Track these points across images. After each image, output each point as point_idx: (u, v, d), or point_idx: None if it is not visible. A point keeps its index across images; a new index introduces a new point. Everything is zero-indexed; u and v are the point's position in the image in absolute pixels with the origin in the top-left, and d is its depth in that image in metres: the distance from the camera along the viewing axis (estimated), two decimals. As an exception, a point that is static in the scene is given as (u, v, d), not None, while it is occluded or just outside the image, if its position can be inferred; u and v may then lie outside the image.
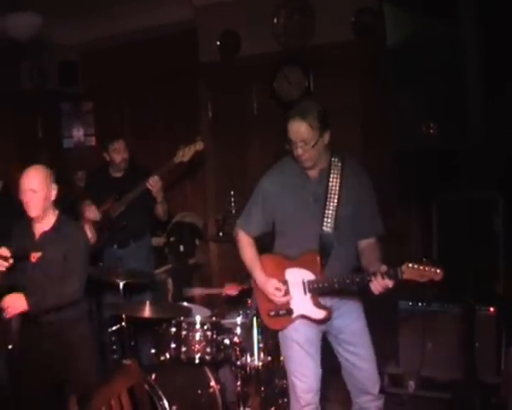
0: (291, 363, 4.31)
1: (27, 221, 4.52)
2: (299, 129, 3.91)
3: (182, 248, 7.16)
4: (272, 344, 4.71)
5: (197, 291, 6.15)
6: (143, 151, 7.35)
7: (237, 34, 7.21)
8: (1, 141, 8.02)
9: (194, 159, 5.93)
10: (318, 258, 4.03)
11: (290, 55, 6.92)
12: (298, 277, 4.08)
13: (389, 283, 3.71)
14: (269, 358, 4.68)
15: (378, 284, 3.72)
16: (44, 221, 4.49)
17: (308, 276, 4.05)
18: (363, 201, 4.14)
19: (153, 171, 5.87)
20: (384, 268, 3.74)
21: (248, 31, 7.11)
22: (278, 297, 4.09)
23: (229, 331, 4.88)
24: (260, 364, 4.67)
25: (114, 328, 5.39)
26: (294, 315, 4.13)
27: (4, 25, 6.94)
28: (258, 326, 4.62)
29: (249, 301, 4.98)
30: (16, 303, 4.24)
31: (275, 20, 6.94)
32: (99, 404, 3.08)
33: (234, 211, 6.99)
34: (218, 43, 7.30)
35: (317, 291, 4.04)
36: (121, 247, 6.17)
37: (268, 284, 4.12)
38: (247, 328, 4.76)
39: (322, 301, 4.09)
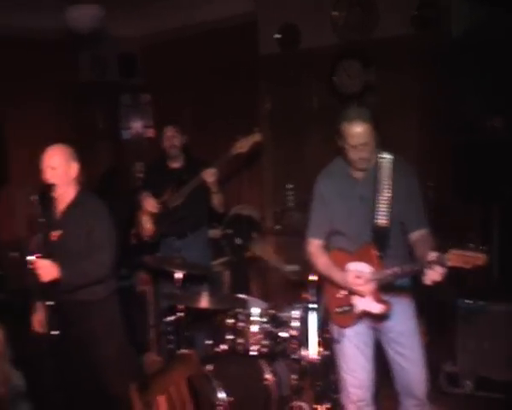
0: (341, 358, 4.36)
1: (53, 200, 4.60)
2: (362, 132, 3.93)
3: (238, 240, 7.17)
4: (329, 338, 4.68)
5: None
6: (202, 143, 7.35)
7: (297, 27, 7.17)
8: (61, 131, 8.11)
9: (252, 150, 5.92)
10: (374, 250, 4.04)
11: (350, 48, 6.86)
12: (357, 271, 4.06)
13: (441, 270, 3.62)
14: (326, 352, 4.65)
15: (434, 273, 3.62)
16: (66, 198, 4.58)
17: (366, 269, 4.04)
18: (412, 198, 4.14)
19: (210, 162, 5.90)
20: (434, 255, 3.66)
21: (308, 24, 7.07)
22: (360, 285, 4.04)
23: (286, 324, 4.86)
24: (317, 358, 4.65)
25: (171, 318, 5.42)
26: (357, 311, 4.13)
27: (65, 16, 7.02)
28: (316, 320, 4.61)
29: (304, 295, 4.95)
30: (49, 269, 4.25)
31: (335, 13, 6.89)
32: (158, 392, 3.11)
33: (291, 204, 6.97)
34: (278, 36, 7.27)
35: (375, 284, 4.01)
36: (179, 238, 6.16)
37: (348, 277, 4.08)
38: (304, 321, 4.74)
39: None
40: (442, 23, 6.17)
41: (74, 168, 4.57)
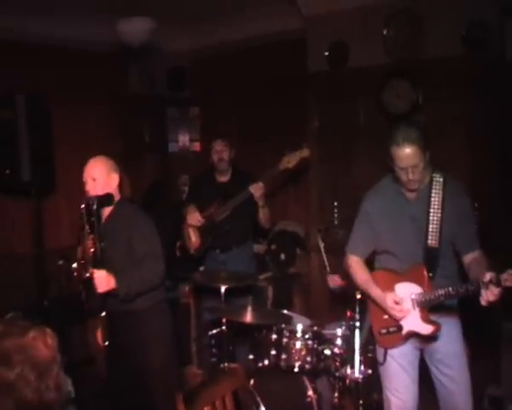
0: (386, 378, 4.34)
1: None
2: (410, 154, 3.89)
3: (283, 256, 7.18)
4: (373, 357, 4.66)
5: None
6: (249, 157, 7.40)
7: (346, 45, 7.18)
8: (109, 141, 8.20)
9: (300, 166, 5.93)
10: (425, 271, 4.00)
11: (399, 67, 6.85)
12: (406, 291, 4.06)
13: (497, 291, 3.61)
14: (369, 371, 4.62)
15: (490, 293, 3.60)
16: (108, 209, 4.63)
17: (416, 290, 4.01)
18: (465, 219, 4.10)
19: (257, 176, 5.92)
20: (490, 275, 3.64)
21: (357, 42, 7.07)
22: (397, 311, 4.06)
23: (330, 342, 4.84)
24: (360, 376, 4.62)
25: (214, 331, 5.44)
26: (404, 332, 4.10)
27: (117, 29, 7.09)
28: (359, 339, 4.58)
29: (349, 313, 4.93)
30: (106, 280, 4.30)
31: (384, 32, 6.88)
32: (204, 404, 3.13)
33: (337, 222, 6.95)
34: (327, 53, 7.28)
35: (424, 305, 3.99)
36: (223, 251, 6.21)
37: (387, 299, 4.10)
38: (347, 340, 4.72)
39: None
40: (492, 44, 6.14)
41: (115, 179, 4.64)
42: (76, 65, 7.98)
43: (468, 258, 4.09)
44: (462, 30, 6.40)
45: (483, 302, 3.65)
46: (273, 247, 7.32)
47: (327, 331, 4.96)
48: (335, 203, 7.08)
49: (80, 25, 7.73)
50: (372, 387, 4.73)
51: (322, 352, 4.81)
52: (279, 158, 5.83)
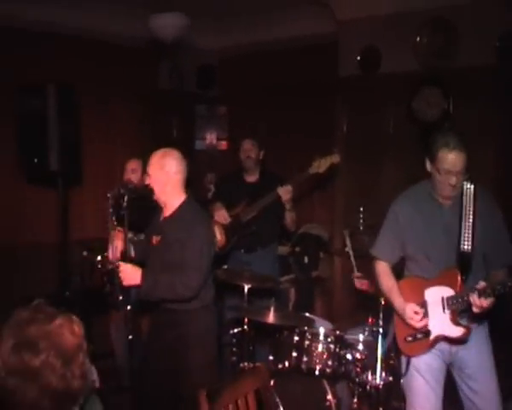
0: (410, 393, 4.24)
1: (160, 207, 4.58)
2: (459, 160, 3.84)
3: (306, 259, 7.16)
4: (394, 364, 4.62)
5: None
6: (275, 159, 7.37)
7: (378, 51, 7.16)
8: (138, 137, 8.27)
9: (329, 171, 5.90)
10: (458, 274, 3.95)
11: (431, 75, 6.82)
12: (437, 295, 4.02)
13: (484, 302, 3.71)
14: (390, 378, 4.58)
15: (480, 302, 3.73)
16: (169, 206, 4.52)
17: (448, 292, 3.98)
18: (496, 230, 4.06)
19: (286, 179, 5.90)
20: (482, 284, 3.74)
21: (390, 48, 7.05)
22: (416, 321, 4.03)
23: (352, 347, 4.81)
24: (381, 383, 4.58)
25: (236, 330, 5.42)
26: (432, 337, 4.04)
27: (150, 24, 7.09)
28: (382, 345, 4.54)
29: (370, 319, 4.90)
30: (131, 275, 4.26)
31: (417, 39, 6.86)
32: (227, 401, 3.11)
33: (362, 227, 6.91)
34: (359, 58, 7.26)
35: (456, 307, 3.94)
36: (248, 252, 6.20)
37: (407, 309, 4.07)
38: (369, 345, 4.69)
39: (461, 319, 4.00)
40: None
41: (168, 176, 4.45)
42: (107, 58, 8.02)
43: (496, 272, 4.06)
44: (495, 40, 6.37)
45: (475, 309, 3.77)
46: (297, 249, 7.29)
47: (349, 336, 4.93)
48: (361, 208, 7.04)
49: (114, 18, 7.75)
50: (392, 394, 4.69)
51: (344, 356, 4.78)
52: (308, 162, 5.80)
